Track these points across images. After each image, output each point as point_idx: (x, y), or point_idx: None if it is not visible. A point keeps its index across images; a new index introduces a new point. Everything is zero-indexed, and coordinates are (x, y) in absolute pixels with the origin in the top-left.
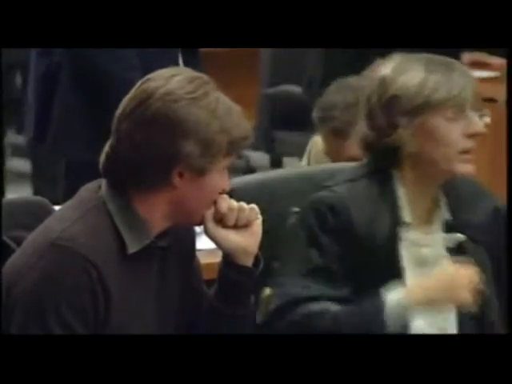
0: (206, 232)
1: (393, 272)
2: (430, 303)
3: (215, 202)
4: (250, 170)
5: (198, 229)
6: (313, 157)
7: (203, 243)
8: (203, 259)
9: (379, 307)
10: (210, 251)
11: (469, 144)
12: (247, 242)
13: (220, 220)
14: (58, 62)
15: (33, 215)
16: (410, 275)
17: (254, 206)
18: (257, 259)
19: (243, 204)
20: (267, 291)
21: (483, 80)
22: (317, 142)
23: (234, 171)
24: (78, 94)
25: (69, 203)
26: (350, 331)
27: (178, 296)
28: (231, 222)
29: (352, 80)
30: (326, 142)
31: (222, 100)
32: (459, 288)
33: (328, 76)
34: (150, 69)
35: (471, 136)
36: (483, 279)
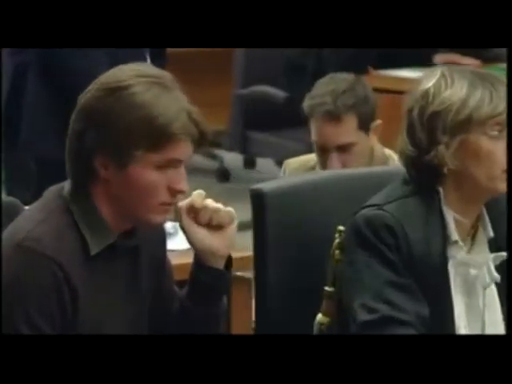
0: (180, 223)
1: (442, 293)
2: None
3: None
4: (224, 170)
5: (170, 229)
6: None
7: (175, 244)
8: (175, 260)
9: None
10: (182, 252)
11: None
12: (218, 244)
13: (194, 216)
14: (28, 61)
15: (5, 216)
16: (458, 296)
17: (230, 209)
18: (228, 261)
19: (220, 205)
20: (320, 317)
21: None
22: (290, 163)
23: (207, 172)
24: (47, 92)
25: (35, 204)
26: None
27: (149, 296)
28: (204, 219)
29: (343, 74)
30: (317, 130)
31: (152, 94)
32: None
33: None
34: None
35: None
36: None
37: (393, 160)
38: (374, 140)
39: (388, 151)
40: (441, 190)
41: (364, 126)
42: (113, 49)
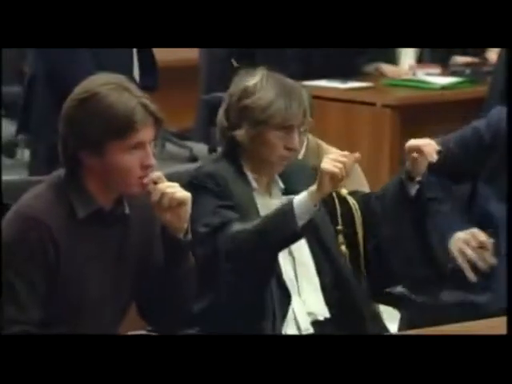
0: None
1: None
2: (325, 191)
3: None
4: (193, 157)
5: None
6: None
7: None
8: None
9: (290, 205)
10: None
11: (288, 153)
12: (177, 220)
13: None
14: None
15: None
16: None
17: (185, 193)
18: (187, 232)
19: (176, 191)
20: None
21: (363, 88)
22: None
23: (180, 158)
24: (49, 91)
25: (42, 183)
26: (271, 235)
27: (136, 259)
28: (165, 205)
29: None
30: None
31: (114, 97)
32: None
33: None
34: (104, 68)
35: (290, 149)
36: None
37: (323, 148)
38: None
39: (320, 141)
40: (243, 158)
41: None
42: (99, 52)
